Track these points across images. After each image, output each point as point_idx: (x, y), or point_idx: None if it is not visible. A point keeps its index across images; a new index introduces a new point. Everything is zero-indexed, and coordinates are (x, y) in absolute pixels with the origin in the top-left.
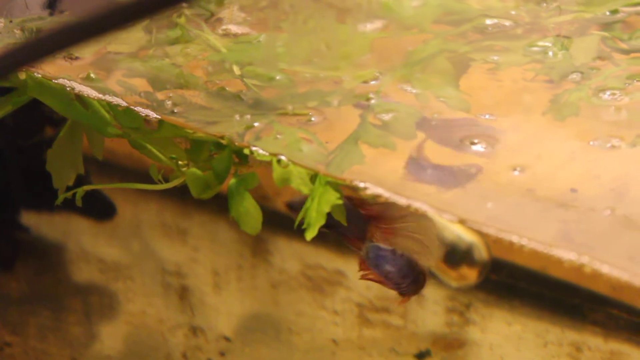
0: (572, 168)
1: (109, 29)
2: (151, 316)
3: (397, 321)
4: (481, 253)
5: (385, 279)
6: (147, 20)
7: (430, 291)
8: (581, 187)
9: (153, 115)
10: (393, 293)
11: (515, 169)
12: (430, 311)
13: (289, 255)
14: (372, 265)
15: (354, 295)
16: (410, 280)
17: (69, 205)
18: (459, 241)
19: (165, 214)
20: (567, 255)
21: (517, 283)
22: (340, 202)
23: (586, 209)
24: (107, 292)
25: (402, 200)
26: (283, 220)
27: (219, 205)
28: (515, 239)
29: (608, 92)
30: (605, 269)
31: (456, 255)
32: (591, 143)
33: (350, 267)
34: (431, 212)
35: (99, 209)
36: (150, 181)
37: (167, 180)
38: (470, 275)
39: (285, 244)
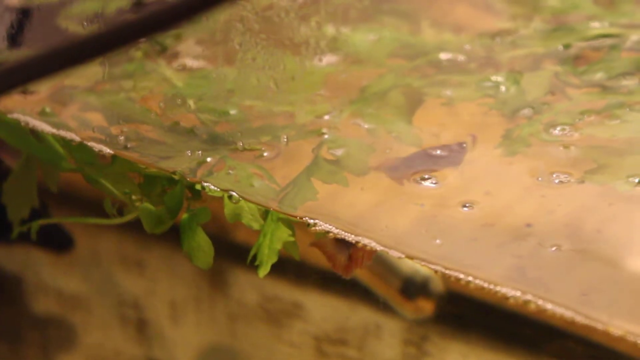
0: (526, 203)
1: (67, 65)
2: (109, 349)
3: (353, 353)
4: (438, 285)
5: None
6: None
7: (386, 323)
8: (535, 222)
9: (106, 150)
10: (352, 324)
11: (465, 205)
12: (386, 344)
13: (246, 287)
14: None
15: (310, 327)
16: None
17: (26, 238)
18: (415, 273)
19: (124, 246)
20: (512, 292)
21: (474, 315)
22: (292, 239)
23: (541, 244)
24: (65, 325)
25: (350, 237)
26: (241, 251)
27: (178, 238)
28: (461, 275)
29: (558, 128)
30: (549, 307)
31: (413, 288)
32: (540, 179)
33: (307, 298)
34: (380, 249)
35: (56, 241)
36: (107, 213)
37: (123, 214)
38: (427, 307)
39: (243, 276)
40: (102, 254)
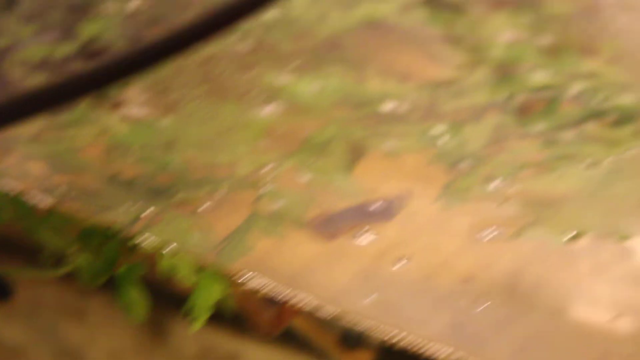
0: (463, 258)
1: (13, 121)
2: None
3: None
4: (376, 336)
5: None
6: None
7: None
8: (473, 277)
9: (46, 200)
10: None
11: (403, 259)
12: None
13: (185, 337)
14: None
15: None
16: None
17: None
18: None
19: (64, 295)
20: (447, 349)
21: None
22: (227, 292)
23: (478, 299)
24: None
25: (285, 292)
26: (181, 301)
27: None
28: (393, 332)
29: (498, 180)
30: None
31: (351, 338)
32: (478, 233)
33: (245, 348)
34: (314, 305)
35: None
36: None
37: (62, 265)
38: (365, 358)
39: (183, 326)
40: (42, 303)
